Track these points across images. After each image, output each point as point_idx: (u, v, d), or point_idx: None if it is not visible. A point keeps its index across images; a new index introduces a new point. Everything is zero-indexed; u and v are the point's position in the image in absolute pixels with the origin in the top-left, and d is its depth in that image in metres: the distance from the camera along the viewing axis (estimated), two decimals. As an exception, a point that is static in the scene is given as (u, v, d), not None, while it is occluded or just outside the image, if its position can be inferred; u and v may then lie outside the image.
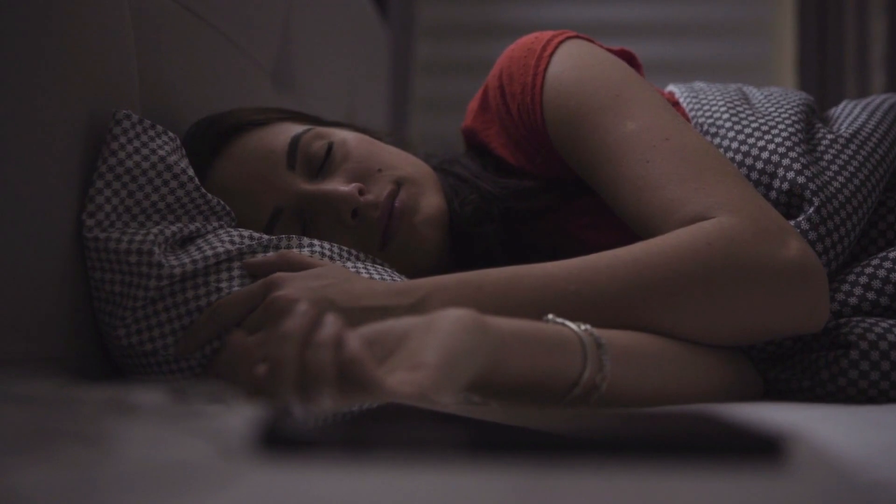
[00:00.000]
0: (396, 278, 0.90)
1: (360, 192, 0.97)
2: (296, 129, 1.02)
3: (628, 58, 1.06)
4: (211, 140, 1.01)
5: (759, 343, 0.91)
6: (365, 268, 0.90)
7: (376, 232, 0.97)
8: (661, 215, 0.86)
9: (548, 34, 1.01)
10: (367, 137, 1.05)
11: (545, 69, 0.97)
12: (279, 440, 0.39)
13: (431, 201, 1.01)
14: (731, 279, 0.81)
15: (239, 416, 0.45)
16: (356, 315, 0.73)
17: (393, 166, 1.01)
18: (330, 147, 1.00)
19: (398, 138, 1.15)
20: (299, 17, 1.56)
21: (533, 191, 1.03)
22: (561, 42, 1.00)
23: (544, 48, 0.99)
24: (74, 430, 0.40)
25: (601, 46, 1.02)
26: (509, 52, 1.02)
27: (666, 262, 0.81)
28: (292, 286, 0.81)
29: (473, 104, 1.09)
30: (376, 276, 0.89)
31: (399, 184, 1.00)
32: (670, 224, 0.85)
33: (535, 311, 0.78)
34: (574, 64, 0.97)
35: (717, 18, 2.72)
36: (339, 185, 0.98)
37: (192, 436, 0.42)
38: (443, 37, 2.79)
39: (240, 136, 1.01)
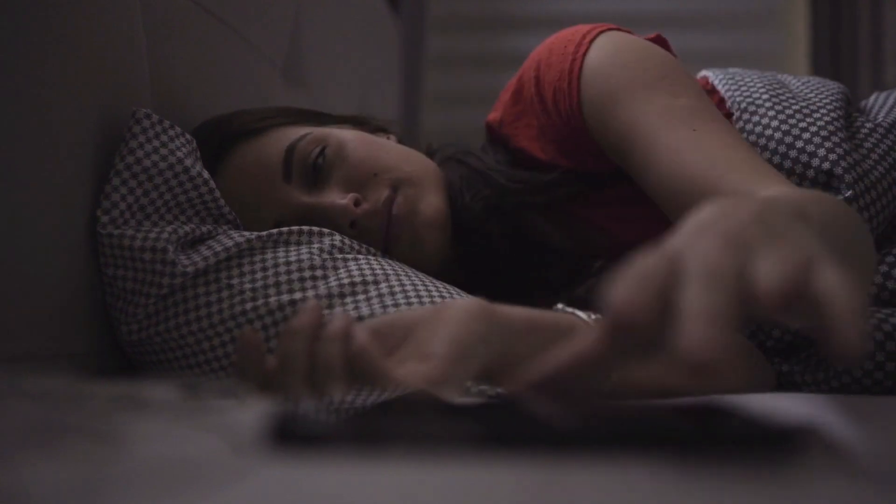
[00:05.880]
0: (409, 272, 0.91)
1: (357, 203, 0.97)
2: (292, 135, 1.00)
3: (662, 44, 1.03)
4: (210, 151, 1.00)
5: (775, 334, 0.91)
6: (372, 261, 0.91)
7: (378, 238, 0.97)
8: (701, 183, 0.83)
9: (588, 26, 0.99)
10: (366, 136, 1.04)
11: (584, 53, 0.96)
12: (290, 435, 0.39)
13: (431, 203, 0.99)
14: None
15: (250, 412, 0.45)
16: None
17: (389, 168, 1.00)
18: (322, 151, 0.99)
19: (408, 130, 1.14)
20: (309, 12, 1.56)
21: (549, 183, 1.02)
22: (601, 32, 0.98)
23: (584, 37, 0.97)
24: (85, 425, 0.40)
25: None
26: (548, 43, 1.00)
27: None
28: None
29: (505, 95, 1.07)
30: (379, 270, 0.89)
31: (396, 187, 0.99)
32: (707, 191, 0.81)
33: None
34: (616, 48, 0.96)
35: (730, 9, 2.71)
36: (335, 198, 0.97)
37: (204, 431, 0.42)
38: (454, 30, 2.78)
39: (237, 148, 1.00)
